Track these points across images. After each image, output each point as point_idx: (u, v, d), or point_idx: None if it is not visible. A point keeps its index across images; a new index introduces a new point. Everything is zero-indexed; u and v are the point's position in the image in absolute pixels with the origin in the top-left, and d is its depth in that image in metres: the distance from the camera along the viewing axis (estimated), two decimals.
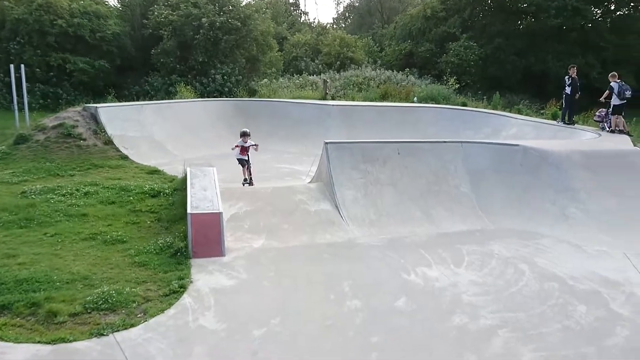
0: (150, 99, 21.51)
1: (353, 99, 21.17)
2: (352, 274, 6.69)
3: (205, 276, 6.44)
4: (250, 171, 10.42)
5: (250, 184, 10.28)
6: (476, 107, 19.66)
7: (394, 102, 20.15)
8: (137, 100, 21.29)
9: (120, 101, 19.39)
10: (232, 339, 5.11)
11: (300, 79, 26.36)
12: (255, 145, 10.33)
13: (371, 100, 20.70)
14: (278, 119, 17.56)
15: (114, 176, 10.70)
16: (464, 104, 20.02)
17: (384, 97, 21.11)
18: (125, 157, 12.52)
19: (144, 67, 25.25)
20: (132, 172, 11.26)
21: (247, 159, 10.36)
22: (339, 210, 8.68)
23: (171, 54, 23.70)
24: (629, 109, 13.63)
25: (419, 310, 5.86)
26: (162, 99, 20.55)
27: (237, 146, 10.31)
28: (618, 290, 6.50)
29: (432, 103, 19.69)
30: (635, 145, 11.43)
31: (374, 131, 15.57)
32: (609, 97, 13.28)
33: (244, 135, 10.38)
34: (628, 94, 12.76)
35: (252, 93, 22.29)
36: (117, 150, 12.80)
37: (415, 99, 20.59)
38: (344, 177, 9.21)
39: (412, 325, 5.53)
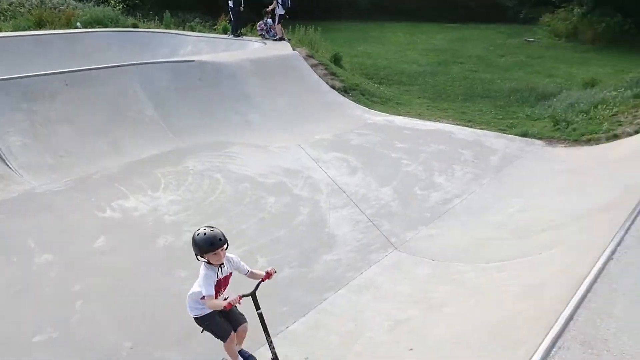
0: None
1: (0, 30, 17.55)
2: (37, 229, 5.82)
3: None
4: None
5: None
6: (149, 28, 18.81)
7: (54, 29, 17.54)
8: None
9: None
10: None
11: None
12: None
13: (24, 30, 17.53)
14: None
15: None
16: (135, 26, 18.88)
17: (39, 25, 18.13)
18: None
19: None
20: None
21: None
22: (5, 162, 7.30)
23: None
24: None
25: (122, 244, 5.56)
26: None
27: None
28: (298, 177, 7.45)
29: (100, 27, 17.94)
30: (294, 49, 12.87)
31: (36, 67, 13.35)
32: (273, 9, 14.48)
33: None
34: (289, 4, 14.15)
35: None
36: None
37: (78, 24, 18.35)
38: (3, 121, 7.71)
39: (116, 260, 5.22)
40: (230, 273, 3.63)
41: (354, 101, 11.56)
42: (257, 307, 3.53)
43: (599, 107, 10.32)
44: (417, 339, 3.90)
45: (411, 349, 3.78)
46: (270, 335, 3.57)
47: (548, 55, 19.97)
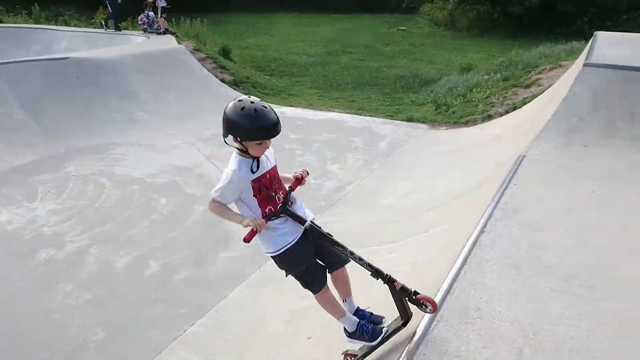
0: None
1: None
2: None
3: None
4: None
5: None
6: (15, 23, 17.17)
7: None
8: None
9: None
10: None
11: None
12: None
13: None
14: None
15: None
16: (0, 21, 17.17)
17: None
18: None
19: None
20: None
21: None
22: None
23: None
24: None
25: None
26: None
27: None
28: (190, 175, 7.23)
29: None
30: (180, 43, 12.42)
31: None
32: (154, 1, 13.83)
33: None
34: None
35: None
36: None
37: None
38: None
39: None
40: (275, 167, 2.74)
41: (246, 94, 11.40)
42: (301, 221, 2.69)
43: (474, 90, 11.13)
44: (315, 327, 3.97)
45: (309, 338, 3.85)
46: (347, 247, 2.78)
47: (429, 43, 21.16)
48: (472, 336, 2.69)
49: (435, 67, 16.05)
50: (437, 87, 12.67)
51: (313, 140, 8.94)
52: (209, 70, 11.70)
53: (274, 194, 2.69)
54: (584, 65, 6.23)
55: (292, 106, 11.11)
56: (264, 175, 2.64)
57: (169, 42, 12.51)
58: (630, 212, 4.18)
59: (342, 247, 2.78)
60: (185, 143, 8.44)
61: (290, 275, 2.87)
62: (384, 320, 3.04)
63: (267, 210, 2.67)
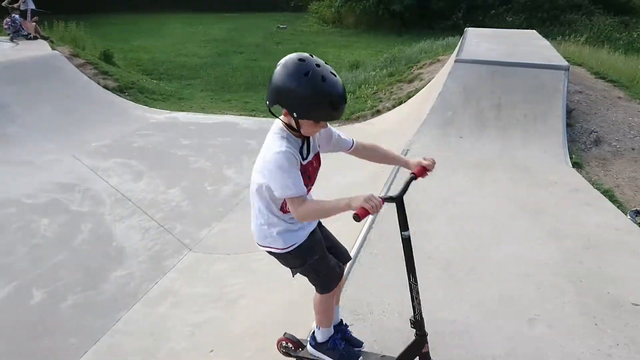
0: None
1: None
2: None
3: None
4: None
5: None
6: None
7: None
8: None
9: None
10: None
11: None
12: None
13: None
14: None
15: None
16: None
17: None
18: None
19: None
20: None
21: None
22: None
23: None
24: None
25: None
26: None
27: None
28: (74, 192, 6.77)
29: None
30: (54, 48, 11.55)
31: None
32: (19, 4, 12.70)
33: None
34: None
35: None
36: None
37: None
38: None
39: None
40: (317, 154, 2.19)
41: (133, 101, 10.92)
42: (404, 226, 2.18)
43: (363, 86, 11.57)
44: (217, 339, 3.93)
45: (211, 351, 3.80)
46: (417, 279, 2.33)
47: (319, 41, 21.59)
48: (363, 332, 2.83)
49: None
50: None
51: (207, 145, 8.77)
52: (89, 77, 10.99)
53: (311, 187, 2.15)
54: (455, 61, 6.74)
55: (183, 111, 10.79)
56: (310, 163, 2.10)
57: (41, 48, 11.55)
58: (499, 196, 4.61)
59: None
60: (67, 157, 7.88)
61: (298, 272, 2.44)
62: (363, 345, 2.66)
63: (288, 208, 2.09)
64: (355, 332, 2.79)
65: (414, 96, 9.63)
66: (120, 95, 10.94)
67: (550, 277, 3.46)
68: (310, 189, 2.17)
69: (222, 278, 5.08)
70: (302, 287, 4.15)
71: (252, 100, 12.05)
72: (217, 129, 9.63)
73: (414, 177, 2.31)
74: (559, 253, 3.81)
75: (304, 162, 2.06)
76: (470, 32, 9.65)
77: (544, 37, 10.49)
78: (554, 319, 3.04)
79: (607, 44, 16.63)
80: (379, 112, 10.16)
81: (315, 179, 2.19)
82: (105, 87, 10.94)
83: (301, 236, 2.26)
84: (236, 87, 13.69)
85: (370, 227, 3.91)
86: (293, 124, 1.97)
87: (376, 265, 3.43)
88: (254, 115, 10.65)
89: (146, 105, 10.86)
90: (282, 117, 2.02)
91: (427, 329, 2.30)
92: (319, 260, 2.33)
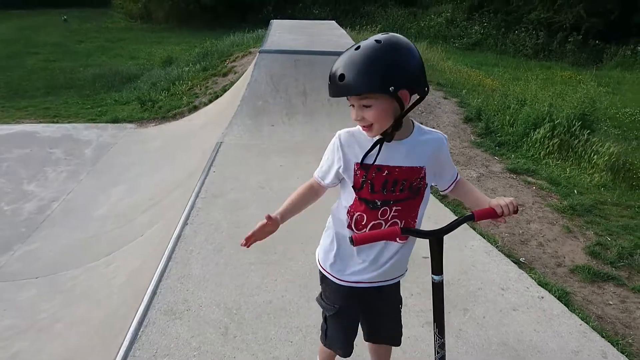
0: None
1: None
2: None
3: None
4: None
5: None
6: None
7: None
8: None
9: None
10: None
11: None
12: None
13: None
14: None
15: None
16: None
17: None
18: None
19: None
20: None
21: None
22: None
23: None
24: None
25: None
26: None
27: None
28: None
29: None
30: None
31: None
32: None
33: None
34: None
35: None
36: None
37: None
38: None
39: None
40: (412, 168, 1.67)
41: None
42: (437, 269, 1.70)
43: (177, 83, 11.21)
44: None
45: None
46: (445, 333, 1.80)
47: (127, 38, 20.32)
48: (180, 330, 2.78)
49: (136, 62, 15.52)
50: (141, 84, 12.31)
51: (1, 159, 7.72)
52: None
53: (385, 207, 1.71)
54: (259, 52, 6.91)
55: None
56: (379, 168, 1.66)
57: None
58: (312, 176, 4.87)
59: None
60: None
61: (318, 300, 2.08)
62: None
63: (353, 220, 1.77)
64: (172, 334, 2.74)
65: (230, 89, 9.65)
66: None
67: None
68: (380, 202, 1.72)
69: (31, 305, 4.55)
70: (113, 305, 3.93)
71: (53, 106, 10.90)
72: (12, 140, 8.52)
73: (472, 218, 1.70)
74: None
75: (365, 160, 1.67)
76: (275, 23, 9.96)
77: (346, 27, 11.31)
78: None
79: (400, 32, 18.54)
80: (196, 108, 9.96)
81: (394, 196, 1.71)
82: None
83: (335, 270, 1.90)
84: (33, 92, 12.21)
85: (185, 223, 3.84)
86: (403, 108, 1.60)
87: (192, 261, 3.38)
88: (57, 122, 9.66)
89: None
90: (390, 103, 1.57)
91: (246, 313, 2.34)
92: (333, 316, 2.01)
